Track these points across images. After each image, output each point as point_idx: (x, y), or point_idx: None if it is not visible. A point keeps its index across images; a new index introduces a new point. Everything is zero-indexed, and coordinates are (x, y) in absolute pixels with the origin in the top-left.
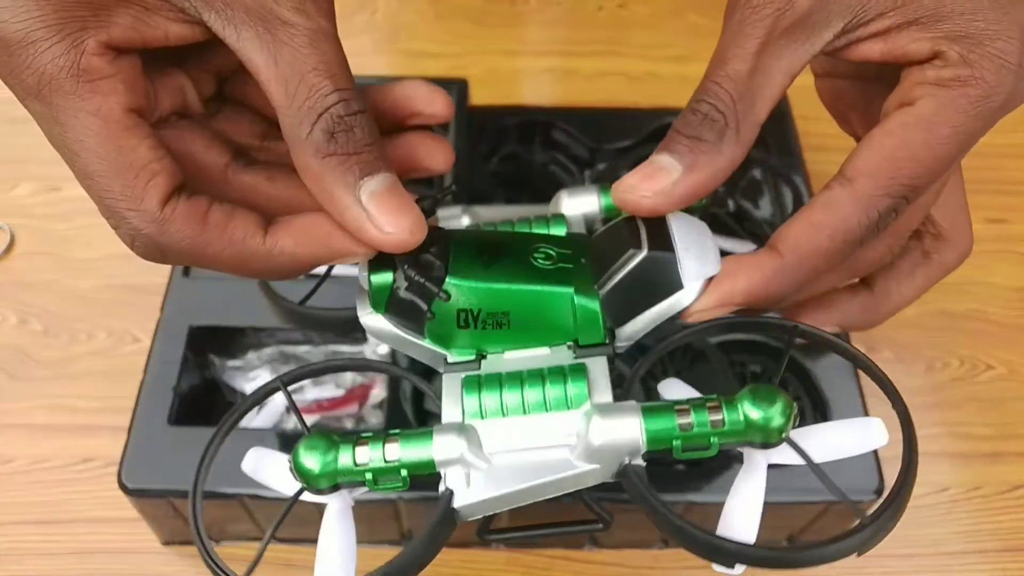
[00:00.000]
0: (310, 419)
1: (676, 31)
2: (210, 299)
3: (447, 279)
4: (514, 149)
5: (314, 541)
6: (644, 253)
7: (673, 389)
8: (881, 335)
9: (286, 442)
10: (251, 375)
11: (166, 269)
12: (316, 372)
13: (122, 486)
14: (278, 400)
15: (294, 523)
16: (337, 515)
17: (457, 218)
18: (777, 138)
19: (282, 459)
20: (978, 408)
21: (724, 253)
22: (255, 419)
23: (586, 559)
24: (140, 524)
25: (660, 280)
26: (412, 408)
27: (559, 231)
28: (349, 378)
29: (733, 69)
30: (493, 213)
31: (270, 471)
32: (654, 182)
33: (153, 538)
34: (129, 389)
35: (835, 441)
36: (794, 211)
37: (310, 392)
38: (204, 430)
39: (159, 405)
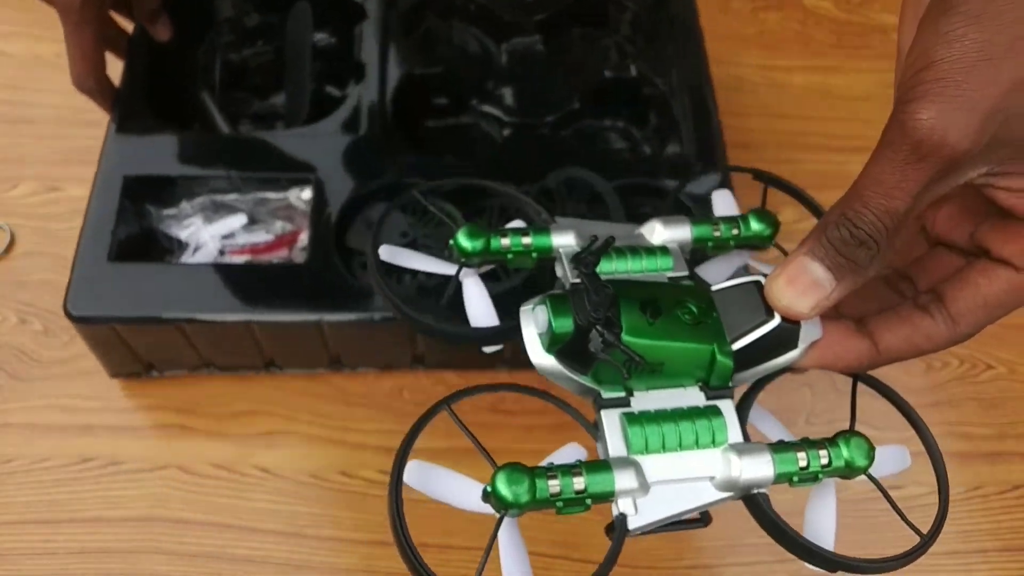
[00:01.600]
0: (241, 259)
1: None
2: (143, 152)
3: (623, 336)
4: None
5: None
6: (776, 322)
7: (762, 423)
8: None
9: (229, 278)
10: (185, 223)
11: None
12: (493, 388)
13: (68, 314)
14: (211, 247)
15: None
16: (509, 529)
17: (564, 234)
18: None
19: (456, 480)
20: (978, 408)
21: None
22: (193, 257)
23: (586, 559)
24: (139, 524)
25: (781, 343)
26: (335, 242)
27: (666, 265)
28: (279, 225)
29: (894, 207)
30: (596, 228)
31: (451, 490)
32: (812, 296)
33: (153, 538)
34: (129, 388)
35: (885, 464)
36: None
37: (241, 236)
38: (142, 265)
39: (99, 245)
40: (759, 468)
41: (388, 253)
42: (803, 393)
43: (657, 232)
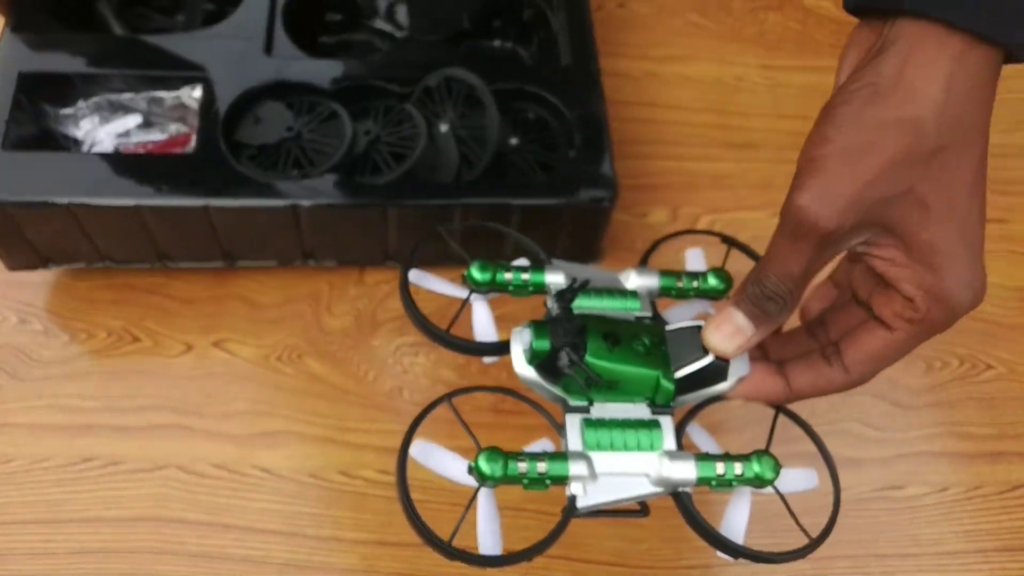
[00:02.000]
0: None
1: (675, 31)
2: (38, 50)
3: (587, 358)
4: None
5: None
6: (710, 359)
7: (700, 437)
8: None
9: (127, 169)
10: (81, 122)
11: (165, 270)
12: (486, 389)
13: None
14: (107, 144)
15: None
16: (487, 499)
17: (555, 272)
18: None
19: (449, 456)
20: (978, 408)
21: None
22: (100, 147)
23: (585, 559)
24: (139, 524)
25: (713, 375)
26: (223, 135)
27: (634, 306)
28: (174, 127)
29: (789, 272)
30: (574, 271)
31: (443, 464)
32: (736, 340)
33: (153, 538)
34: (129, 388)
35: (792, 482)
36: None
37: (136, 136)
38: (36, 154)
39: None
40: (684, 471)
41: (416, 276)
42: None
43: (631, 279)
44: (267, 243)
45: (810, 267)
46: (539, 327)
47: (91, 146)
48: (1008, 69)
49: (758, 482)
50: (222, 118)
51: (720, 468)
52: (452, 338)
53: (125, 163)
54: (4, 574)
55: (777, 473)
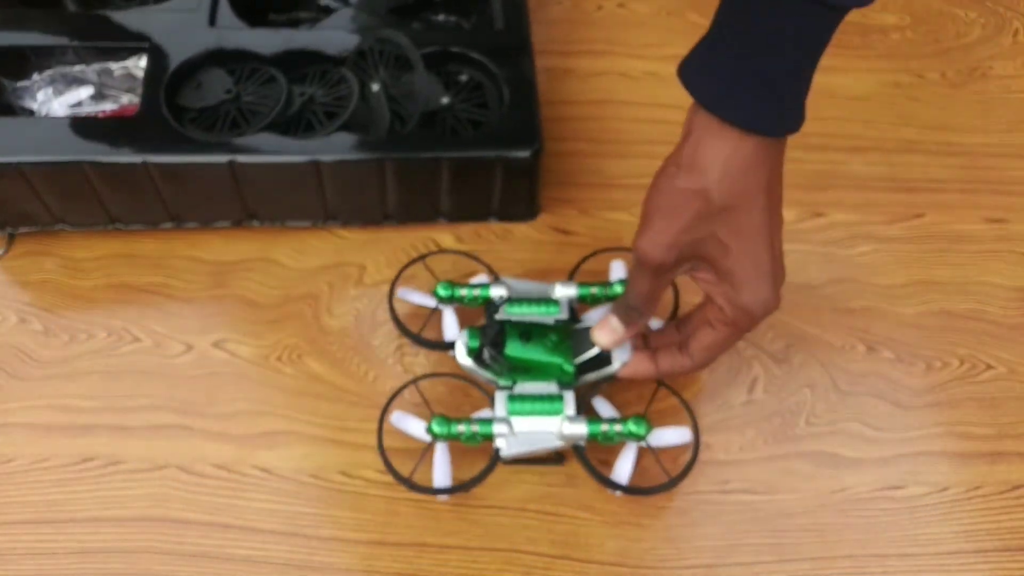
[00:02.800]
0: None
1: (675, 30)
2: None
3: (505, 352)
4: None
5: None
6: (597, 350)
7: (602, 406)
8: (882, 336)
9: (72, 130)
10: (37, 94)
11: (165, 270)
12: (444, 375)
13: None
14: (61, 115)
15: None
16: (442, 450)
17: (500, 287)
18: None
19: (414, 421)
20: (978, 408)
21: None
22: (54, 105)
23: (586, 559)
24: (139, 524)
25: (603, 362)
26: (165, 99)
27: (555, 311)
28: (126, 98)
29: (641, 291)
30: (517, 285)
31: (410, 426)
32: (612, 337)
33: (153, 538)
34: (129, 388)
35: (666, 438)
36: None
37: (88, 106)
38: None
39: None
40: (578, 429)
41: (404, 293)
42: (803, 394)
43: (557, 291)
44: (210, 203)
45: (653, 289)
46: (473, 331)
47: (45, 116)
48: (1009, 69)
49: (634, 437)
50: (164, 83)
51: (604, 427)
52: (426, 340)
53: (70, 125)
54: (3, 574)
55: (648, 431)
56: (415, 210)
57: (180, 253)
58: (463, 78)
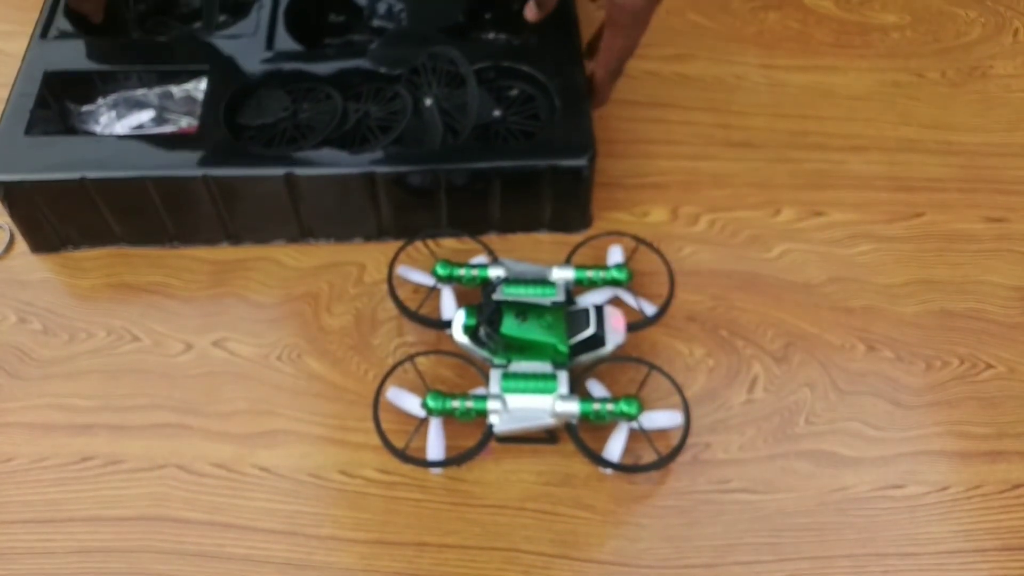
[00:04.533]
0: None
1: (675, 30)
2: (62, 53)
3: (500, 331)
4: None
5: None
6: (592, 331)
7: (594, 387)
8: (881, 335)
9: (133, 148)
10: (100, 118)
11: (164, 269)
12: (441, 353)
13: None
14: (118, 129)
15: None
16: (436, 425)
17: (498, 268)
18: None
19: (409, 397)
20: (978, 407)
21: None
22: (116, 128)
23: (585, 558)
24: (139, 523)
25: (597, 342)
26: (224, 118)
27: (551, 292)
28: (185, 121)
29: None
30: (515, 267)
31: (405, 402)
32: (533, 12)
33: (152, 538)
34: (129, 388)
35: (658, 420)
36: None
37: (150, 129)
38: (53, 137)
39: (19, 122)
40: (571, 407)
41: (404, 271)
42: (803, 393)
43: (554, 273)
44: (267, 220)
45: None
46: (470, 310)
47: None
48: (1009, 68)
49: (625, 417)
50: (224, 102)
51: (596, 406)
52: (418, 315)
53: (132, 143)
54: (4, 573)
55: (639, 411)
56: (467, 223)
57: (180, 252)
58: (514, 92)
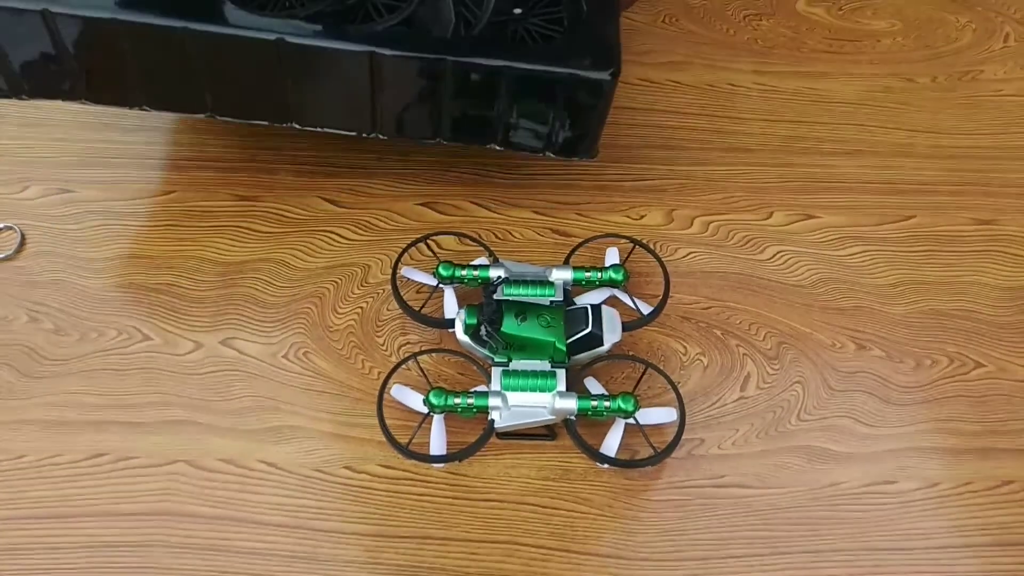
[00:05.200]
0: None
1: (670, 38)
2: None
3: (501, 330)
4: None
5: None
6: (589, 330)
7: (592, 384)
8: (872, 334)
9: None
10: None
11: (174, 270)
12: (443, 351)
13: None
14: None
15: None
16: (438, 421)
17: (498, 269)
18: None
19: (413, 394)
20: (967, 405)
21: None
22: None
23: (583, 551)
24: (149, 518)
25: (594, 341)
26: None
27: (550, 292)
28: None
29: None
30: (515, 268)
31: (409, 398)
32: None
33: (161, 532)
34: (139, 385)
35: (654, 417)
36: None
37: None
38: None
39: None
40: (569, 404)
41: (407, 272)
42: (795, 391)
43: (553, 274)
44: (251, 93)
45: None
46: (471, 308)
47: None
48: (999, 73)
49: (622, 413)
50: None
51: (594, 403)
52: (421, 314)
53: None
54: (17, 568)
55: (635, 408)
56: (468, 129)
57: (189, 253)
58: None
